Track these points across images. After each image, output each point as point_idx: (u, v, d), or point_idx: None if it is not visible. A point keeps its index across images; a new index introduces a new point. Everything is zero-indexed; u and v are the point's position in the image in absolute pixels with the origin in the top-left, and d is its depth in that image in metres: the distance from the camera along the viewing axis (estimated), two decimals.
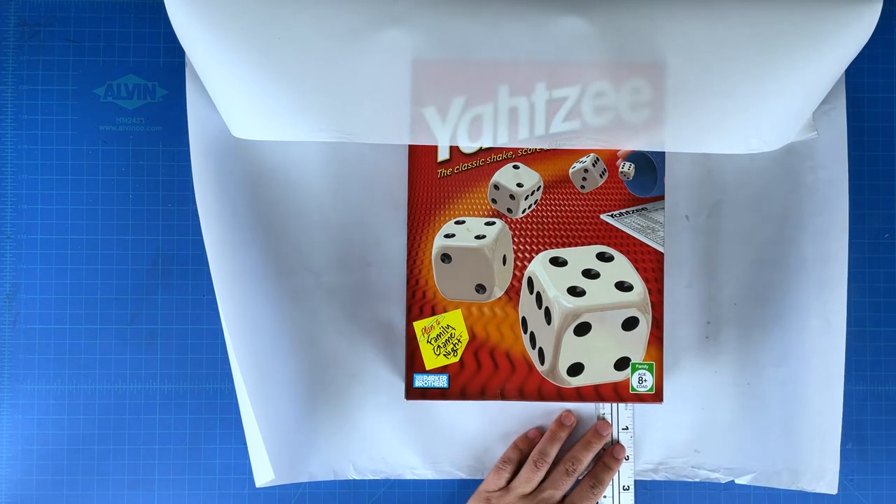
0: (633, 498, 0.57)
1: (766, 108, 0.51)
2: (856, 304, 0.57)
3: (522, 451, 0.56)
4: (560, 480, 0.54)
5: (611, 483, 0.56)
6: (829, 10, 0.48)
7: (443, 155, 0.53)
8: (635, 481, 0.57)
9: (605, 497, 0.56)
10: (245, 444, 0.56)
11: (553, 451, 0.55)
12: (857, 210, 0.57)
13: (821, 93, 0.52)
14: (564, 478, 0.54)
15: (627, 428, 0.57)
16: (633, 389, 0.53)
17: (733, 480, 0.57)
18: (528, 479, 0.54)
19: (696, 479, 0.57)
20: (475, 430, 0.57)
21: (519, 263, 0.53)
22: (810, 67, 0.50)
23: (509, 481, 0.55)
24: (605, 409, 0.57)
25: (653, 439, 0.57)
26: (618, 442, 0.57)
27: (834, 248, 0.55)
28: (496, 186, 0.53)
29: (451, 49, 0.50)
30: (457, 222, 0.53)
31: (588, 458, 0.55)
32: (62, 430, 0.57)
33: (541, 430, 0.57)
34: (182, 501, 0.57)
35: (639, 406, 0.57)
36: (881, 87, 0.58)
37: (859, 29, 0.48)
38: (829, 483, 0.55)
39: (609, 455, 0.56)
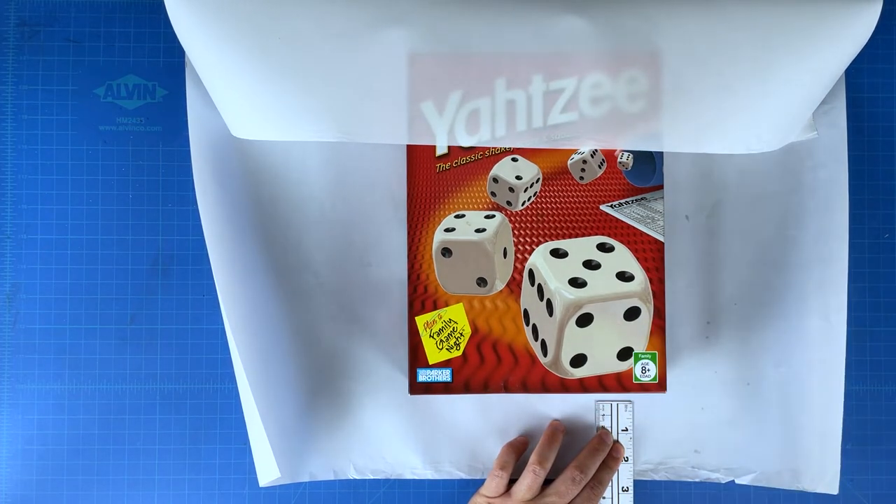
0: (632, 499, 0.57)
1: (766, 108, 0.51)
2: (856, 304, 0.57)
3: (518, 453, 0.56)
4: (566, 490, 0.53)
5: (610, 484, 0.56)
6: (829, 10, 0.48)
7: (441, 149, 0.53)
8: (635, 482, 0.57)
9: (604, 498, 0.56)
10: (245, 443, 0.56)
11: (552, 456, 0.55)
12: (857, 210, 0.57)
13: (821, 93, 0.52)
14: (571, 486, 0.53)
15: (627, 429, 0.57)
16: (637, 379, 0.53)
17: (733, 480, 0.57)
18: (530, 486, 0.53)
19: (696, 479, 0.57)
20: (476, 430, 0.57)
21: (519, 256, 0.53)
22: (810, 67, 0.50)
23: (508, 486, 0.55)
24: (605, 409, 0.57)
25: (653, 439, 0.57)
26: (617, 441, 0.56)
27: (834, 248, 0.55)
28: (495, 179, 0.53)
29: (449, 48, 0.50)
30: (456, 216, 0.53)
31: (595, 466, 0.55)
32: (62, 430, 0.57)
33: (529, 435, 0.57)
34: (182, 501, 0.57)
35: (639, 405, 0.57)
36: (881, 87, 0.58)
37: (859, 29, 0.48)
38: (829, 483, 0.55)
39: (609, 455, 0.56)
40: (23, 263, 0.57)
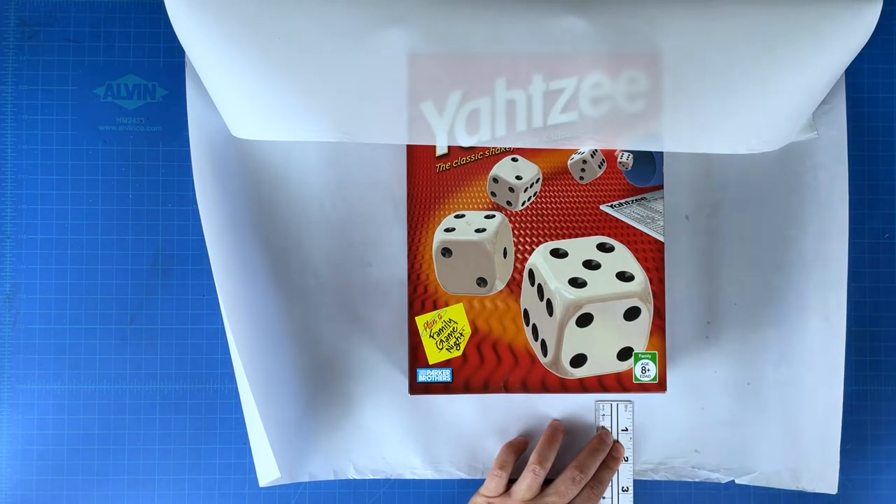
0: (632, 499, 0.57)
1: (766, 108, 0.51)
2: (856, 304, 0.57)
3: (517, 453, 0.56)
4: (566, 489, 0.53)
5: (610, 484, 0.56)
6: (829, 10, 0.48)
7: (441, 149, 0.53)
8: (635, 482, 0.57)
9: (604, 498, 0.56)
10: (245, 444, 0.56)
11: (552, 456, 0.55)
12: (857, 210, 0.57)
13: (821, 93, 0.52)
14: (571, 486, 0.53)
15: (627, 429, 0.57)
16: (637, 379, 0.53)
17: (733, 480, 0.57)
18: (530, 486, 0.53)
19: (697, 479, 0.57)
20: (475, 430, 0.57)
21: (519, 256, 0.53)
22: (810, 67, 0.50)
23: (508, 486, 0.55)
24: (605, 409, 0.57)
25: (653, 439, 0.57)
26: (617, 441, 0.56)
27: (834, 248, 0.55)
28: (495, 179, 0.53)
29: (449, 48, 0.50)
30: (456, 216, 0.53)
31: (595, 466, 0.55)
32: (62, 430, 0.57)
33: (529, 435, 0.57)
34: (182, 501, 0.57)
35: (639, 405, 0.57)
36: (881, 87, 0.58)
37: (859, 29, 0.48)
38: (828, 483, 0.55)
39: (609, 455, 0.56)
40: (23, 263, 0.57)
